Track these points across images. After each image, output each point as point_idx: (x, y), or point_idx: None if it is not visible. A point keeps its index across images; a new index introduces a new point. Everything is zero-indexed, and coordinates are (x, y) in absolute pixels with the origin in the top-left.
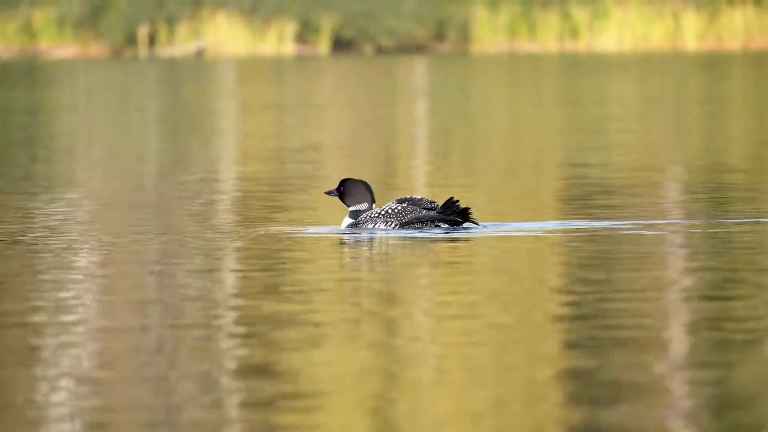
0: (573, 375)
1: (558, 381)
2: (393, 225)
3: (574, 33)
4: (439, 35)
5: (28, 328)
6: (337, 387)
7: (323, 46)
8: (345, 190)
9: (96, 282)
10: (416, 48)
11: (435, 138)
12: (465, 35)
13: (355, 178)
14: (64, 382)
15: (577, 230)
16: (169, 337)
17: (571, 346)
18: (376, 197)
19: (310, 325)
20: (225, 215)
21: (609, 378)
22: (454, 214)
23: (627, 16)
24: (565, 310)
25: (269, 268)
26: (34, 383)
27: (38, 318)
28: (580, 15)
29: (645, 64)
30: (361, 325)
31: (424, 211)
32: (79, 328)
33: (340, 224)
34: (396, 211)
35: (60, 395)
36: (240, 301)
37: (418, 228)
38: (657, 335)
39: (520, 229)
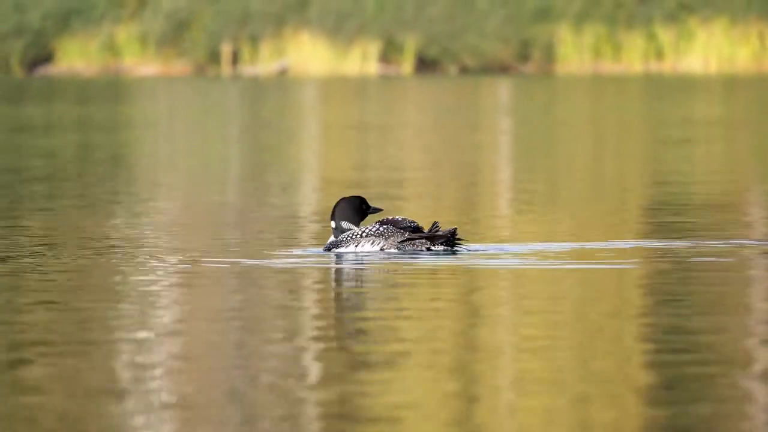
0: (658, 408)
1: (644, 416)
2: (382, 246)
3: (659, 54)
4: (524, 55)
5: (106, 339)
6: (417, 414)
7: (407, 66)
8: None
9: (172, 299)
10: (500, 68)
11: (519, 159)
12: (549, 55)
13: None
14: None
15: (619, 250)
16: (246, 355)
17: (655, 381)
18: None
19: (389, 353)
20: (304, 237)
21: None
22: (443, 238)
23: (712, 37)
24: (646, 343)
25: (341, 292)
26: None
27: (114, 328)
28: (666, 36)
29: (730, 85)
30: (441, 356)
31: (407, 234)
32: (156, 340)
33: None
34: (379, 232)
35: (137, 385)
36: (316, 328)
37: (410, 250)
38: (742, 367)
39: (523, 252)
